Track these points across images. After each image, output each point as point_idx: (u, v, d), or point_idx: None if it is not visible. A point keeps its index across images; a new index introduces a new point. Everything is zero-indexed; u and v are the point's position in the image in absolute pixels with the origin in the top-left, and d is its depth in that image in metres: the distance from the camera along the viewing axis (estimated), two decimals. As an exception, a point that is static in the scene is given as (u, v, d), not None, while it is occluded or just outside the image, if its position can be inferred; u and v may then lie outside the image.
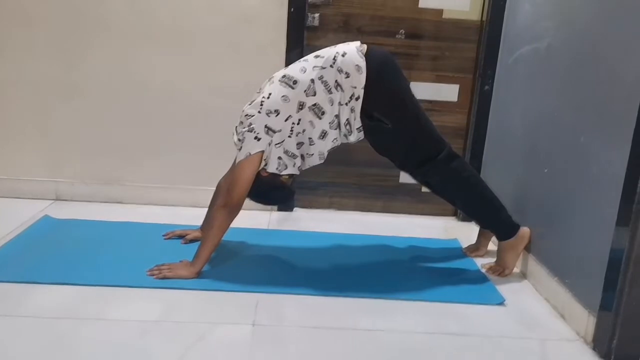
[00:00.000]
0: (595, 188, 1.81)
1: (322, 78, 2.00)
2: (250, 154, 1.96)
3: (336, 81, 2.00)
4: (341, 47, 2.06)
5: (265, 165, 2.01)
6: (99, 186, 2.80)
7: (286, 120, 1.99)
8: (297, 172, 2.13)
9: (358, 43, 2.07)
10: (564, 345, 1.76)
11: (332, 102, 2.01)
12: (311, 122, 2.03)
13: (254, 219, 2.68)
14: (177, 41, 2.67)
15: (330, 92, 2.00)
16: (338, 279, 2.10)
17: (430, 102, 2.86)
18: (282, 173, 2.06)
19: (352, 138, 2.10)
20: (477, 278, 2.19)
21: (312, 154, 2.09)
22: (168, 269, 1.99)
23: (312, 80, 1.99)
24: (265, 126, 1.97)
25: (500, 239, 2.24)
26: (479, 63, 2.79)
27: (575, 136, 1.93)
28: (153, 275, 1.98)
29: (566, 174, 2.00)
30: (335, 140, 2.09)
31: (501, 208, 2.24)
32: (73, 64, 2.67)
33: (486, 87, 2.77)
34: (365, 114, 2.05)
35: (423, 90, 2.83)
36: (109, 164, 2.79)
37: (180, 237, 2.35)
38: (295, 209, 2.92)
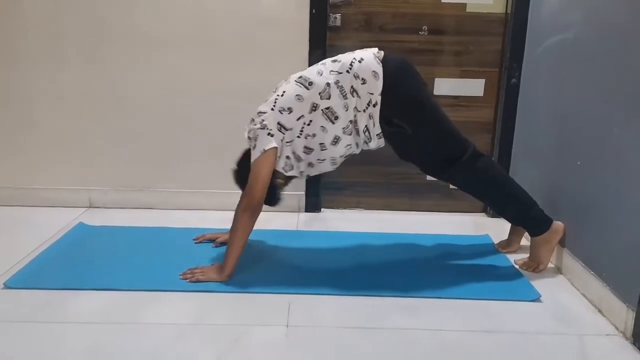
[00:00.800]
0: (630, 179, 1.77)
1: (338, 83, 2.00)
2: (264, 150, 1.96)
3: (352, 87, 2.00)
4: (359, 53, 2.05)
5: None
6: (130, 193, 2.85)
7: (298, 119, 2.00)
8: (299, 176, 2.14)
9: (375, 49, 2.06)
10: (602, 341, 1.73)
11: (346, 108, 2.01)
12: (323, 127, 2.02)
13: (283, 220, 2.70)
14: (201, 47, 2.70)
15: (345, 97, 2.00)
16: (369, 278, 2.10)
17: (455, 97, 2.83)
18: (287, 173, 2.07)
19: (373, 145, 2.09)
20: (511, 274, 2.17)
21: (324, 160, 2.09)
22: (201, 273, 2.02)
23: (328, 84, 2.00)
24: (278, 123, 1.98)
25: (532, 235, 2.21)
26: (504, 56, 2.76)
27: (607, 127, 1.89)
28: (186, 279, 2.01)
29: (600, 166, 1.96)
30: (349, 147, 2.08)
31: (532, 204, 2.20)
32: (101, 75, 2.73)
33: (513, 81, 2.73)
34: (384, 120, 2.04)
35: (448, 86, 2.81)
36: (139, 171, 2.84)
37: (211, 240, 2.38)
38: (322, 209, 2.93)
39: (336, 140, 2.05)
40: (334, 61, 2.06)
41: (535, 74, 2.58)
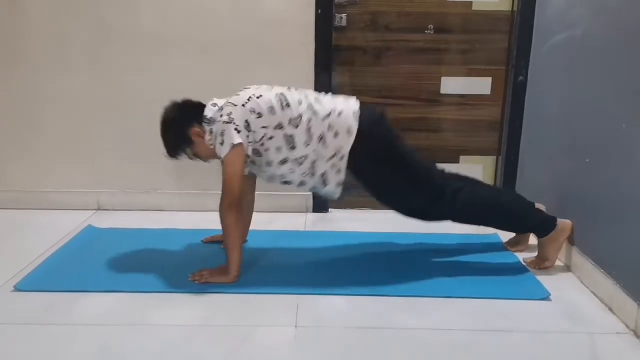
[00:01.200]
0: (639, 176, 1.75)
1: (310, 122, 2.00)
2: (233, 144, 1.92)
3: (321, 135, 2.00)
4: (340, 104, 2.04)
5: None
6: (138, 195, 2.86)
7: (262, 127, 1.98)
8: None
9: (357, 104, 2.05)
10: (613, 339, 1.72)
11: (307, 145, 2.00)
12: (279, 148, 2.01)
13: (290, 220, 2.70)
14: (206, 48, 2.71)
15: (311, 138, 2.00)
16: (377, 278, 2.09)
17: (462, 96, 2.83)
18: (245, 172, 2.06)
19: (326, 191, 2.09)
20: (520, 273, 2.15)
21: (263, 172, 2.10)
22: (209, 274, 2.02)
23: (300, 116, 1.99)
24: (246, 121, 1.96)
25: (540, 236, 2.20)
26: (511, 54, 2.74)
27: (616, 124, 1.88)
28: (195, 280, 2.01)
29: (609, 163, 1.95)
30: (292, 173, 2.05)
31: (528, 211, 2.20)
32: (107, 77, 2.74)
33: (520, 78, 2.72)
34: (355, 171, 2.06)
35: (455, 84, 2.81)
36: (147, 173, 2.85)
37: (220, 241, 2.38)
38: (330, 209, 2.92)
39: (284, 162, 2.03)
40: (317, 100, 2.05)
41: (543, 71, 2.56)
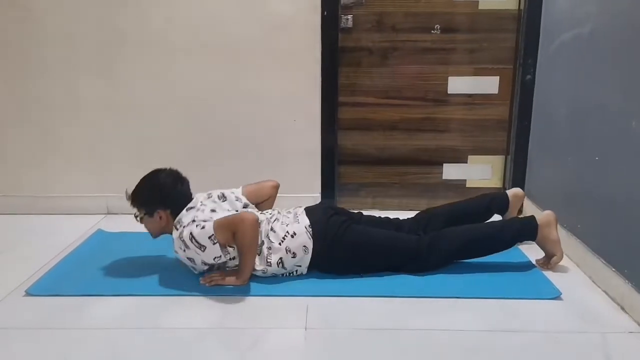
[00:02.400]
0: (650, 174, 1.74)
1: (270, 247, 2.04)
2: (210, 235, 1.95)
3: (281, 259, 2.04)
4: (291, 226, 2.06)
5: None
6: (147, 199, 2.87)
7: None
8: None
9: (307, 222, 2.07)
10: (626, 338, 1.70)
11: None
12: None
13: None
14: (215, 52, 2.72)
15: (268, 259, 2.03)
16: (387, 279, 2.08)
17: (470, 95, 2.82)
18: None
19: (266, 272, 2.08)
20: (531, 272, 2.14)
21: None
22: (220, 277, 2.02)
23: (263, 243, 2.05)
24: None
25: (531, 239, 2.18)
26: (518, 53, 2.73)
27: (625, 121, 1.87)
28: (206, 283, 2.01)
29: (618, 161, 1.93)
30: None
31: (504, 228, 2.17)
32: (115, 80, 2.76)
33: (528, 77, 2.71)
34: (323, 268, 2.10)
35: (462, 84, 2.80)
36: (155, 176, 2.86)
37: None
38: (338, 211, 2.92)
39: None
40: (275, 220, 2.09)
41: (551, 70, 2.55)
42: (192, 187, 2.84)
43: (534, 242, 2.20)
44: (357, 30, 2.75)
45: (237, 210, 2.11)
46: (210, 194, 2.18)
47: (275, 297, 1.95)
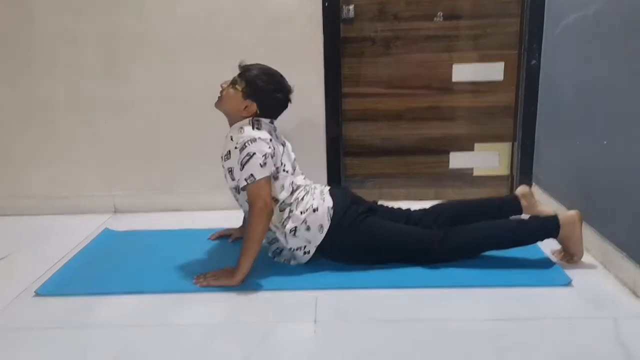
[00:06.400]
0: (661, 156, 1.71)
1: (288, 208, 2.05)
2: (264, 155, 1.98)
3: (296, 228, 2.03)
4: (316, 200, 2.06)
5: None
6: (154, 196, 2.88)
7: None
8: None
9: (331, 203, 2.06)
10: (638, 323, 1.68)
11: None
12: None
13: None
14: (217, 48, 2.71)
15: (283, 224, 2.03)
16: (396, 270, 2.07)
17: (474, 83, 2.79)
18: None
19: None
20: (540, 259, 2.12)
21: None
22: (213, 278, 1.99)
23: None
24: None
25: (553, 237, 2.09)
26: (523, 37, 2.70)
27: (635, 103, 1.84)
28: (199, 283, 1.98)
29: (628, 144, 1.90)
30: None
31: (524, 224, 2.12)
32: (119, 80, 2.76)
33: (533, 62, 2.67)
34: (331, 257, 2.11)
35: (467, 71, 2.78)
36: (162, 174, 2.87)
37: (227, 236, 2.41)
38: (346, 203, 2.90)
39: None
40: (298, 188, 2.10)
41: (556, 54, 2.52)
42: (198, 182, 2.87)
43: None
44: (359, 20, 2.73)
45: (285, 171, 2.08)
46: (285, 142, 2.18)
47: (284, 290, 1.94)
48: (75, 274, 2.13)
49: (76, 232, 2.56)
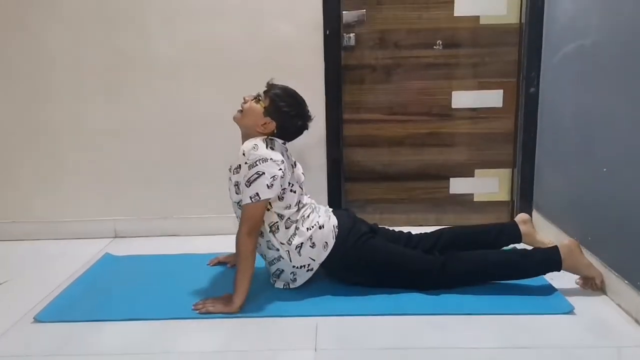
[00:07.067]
0: (660, 184, 1.72)
1: (294, 225, 2.05)
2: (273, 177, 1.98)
3: (302, 244, 2.03)
4: (321, 217, 2.09)
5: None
6: (155, 221, 2.88)
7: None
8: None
9: (336, 222, 2.10)
10: (642, 352, 1.67)
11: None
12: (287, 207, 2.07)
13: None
14: (219, 74, 2.74)
15: (290, 240, 2.03)
16: (397, 296, 2.06)
17: (474, 110, 2.82)
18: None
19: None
20: (542, 287, 2.11)
21: None
22: (211, 304, 1.98)
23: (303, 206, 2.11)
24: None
25: (557, 270, 2.08)
26: (521, 66, 2.74)
27: (634, 132, 1.85)
28: (197, 309, 1.97)
29: (628, 172, 1.91)
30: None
31: (526, 255, 2.10)
32: (123, 104, 2.78)
33: (532, 90, 2.70)
34: (335, 276, 2.15)
35: (466, 98, 2.80)
36: (162, 198, 2.87)
37: (224, 262, 2.41)
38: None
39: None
40: (304, 206, 2.11)
41: (555, 81, 2.55)
42: (199, 207, 2.87)
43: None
44: (360, 48, 2.77)
45: (293, 191, 2.07)
46: (296, 163, 2.19)
47: (283, 317, 1.93)
48: (75, 300, 2.11)
49: (77, 257, 2.56)
